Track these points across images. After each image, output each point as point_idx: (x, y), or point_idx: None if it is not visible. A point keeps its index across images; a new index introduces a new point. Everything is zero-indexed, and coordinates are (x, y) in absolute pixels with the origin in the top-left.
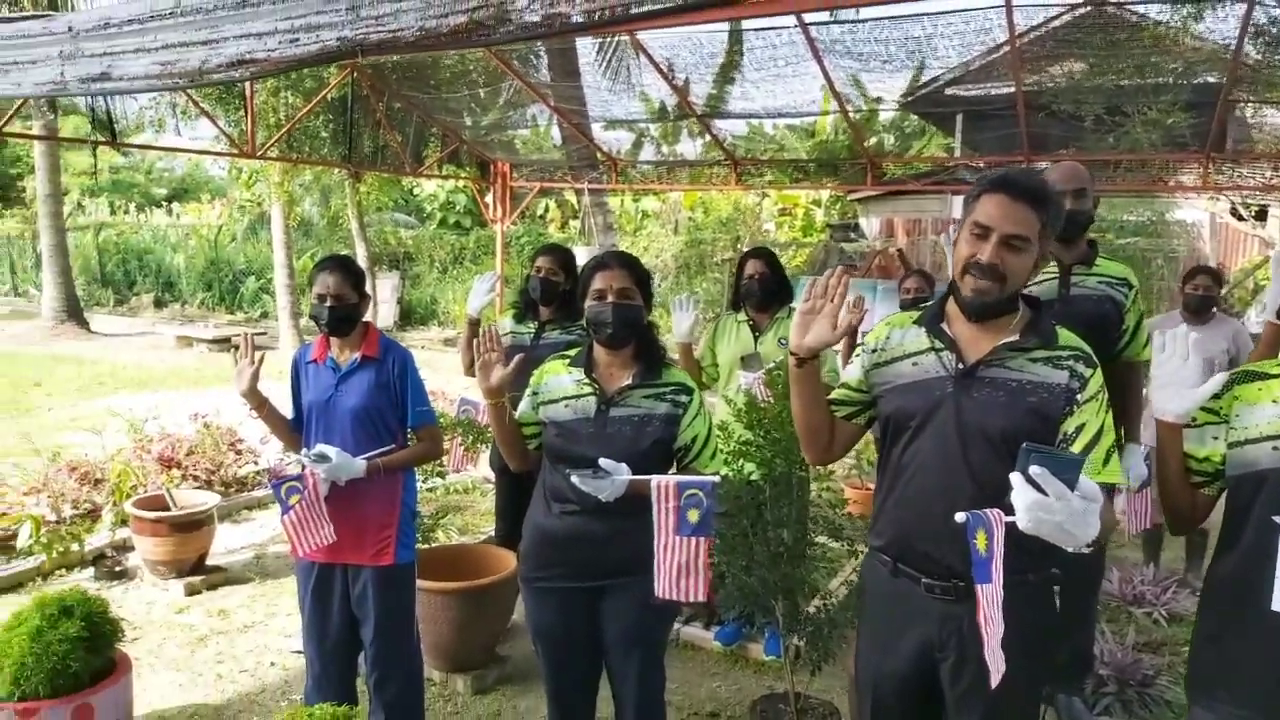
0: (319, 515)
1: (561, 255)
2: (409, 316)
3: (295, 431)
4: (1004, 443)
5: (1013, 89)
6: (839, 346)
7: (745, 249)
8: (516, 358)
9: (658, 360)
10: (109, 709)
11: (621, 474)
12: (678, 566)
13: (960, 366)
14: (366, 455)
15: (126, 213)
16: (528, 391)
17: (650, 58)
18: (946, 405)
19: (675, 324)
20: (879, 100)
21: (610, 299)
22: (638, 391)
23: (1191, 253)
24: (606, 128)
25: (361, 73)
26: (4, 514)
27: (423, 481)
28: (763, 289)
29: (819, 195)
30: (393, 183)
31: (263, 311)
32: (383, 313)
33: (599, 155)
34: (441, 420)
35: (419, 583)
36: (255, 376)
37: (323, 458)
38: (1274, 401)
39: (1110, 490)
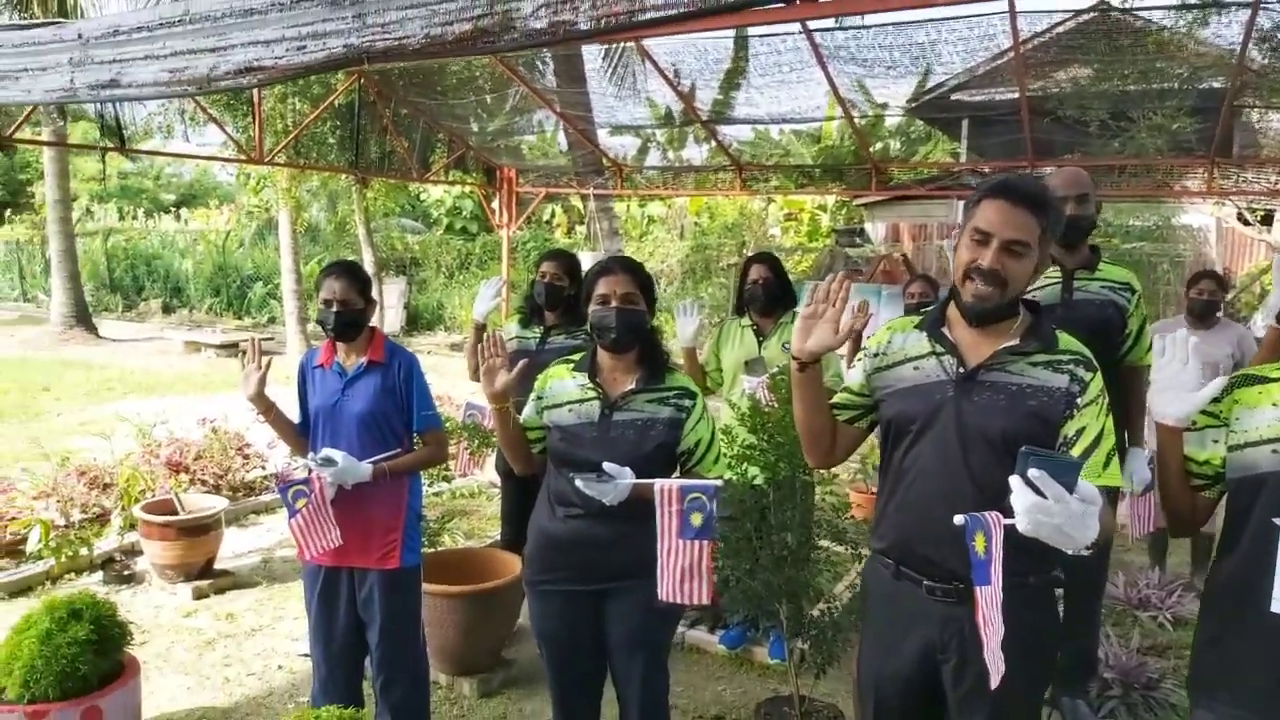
0: (325, 519)
1: (566, 260)
2: (416, 321)
3: (302, 436)
4: (1004, 446)
5: (1018, 94)
6: (844, 351)
7: (750, 254)
8: (520, 363)
9: (661, 365)
10: (117, 711)
11: (625, 478)
12: (681, 570)
13: (961, 371)
14: (372, 459)
15: (135, 218)
16: (532, 396)
17: (655, 64)
18: (947, 409)
19: (680, 329)
20: (884, 106)
21: (614, 304)
22: (641, 396)
23: (1198, 258)
24: (612, 133)
25: (368, 79)
26: (14, 518)
27: (429, 486)
28: (766, 294)
29: (825, 200)
30: (399, 188)
31: (270, 317)
32: (389, 318)
33: (605, 161)
34: (447, 425)
35: (425, 586)
36: (262, 381)
37: (329, 461)
38: (1274, 405)
39: (1114, 493)
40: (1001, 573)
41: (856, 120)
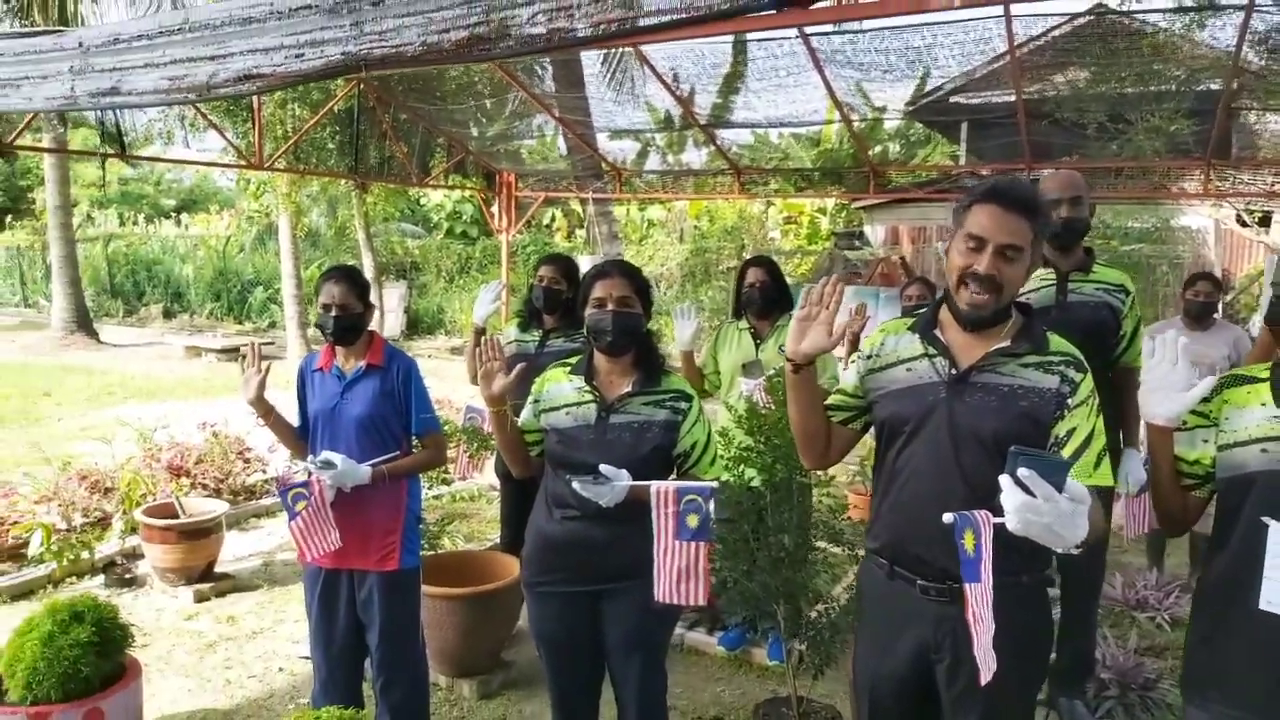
0: (325, 521)
1: (564, 264)
2: (416, 326)
3: (302, 439)
4: (996, 447)
5: (1015, 97)
6: (841, 352)
7: (747, 257)
8: (518, 366)
9: (657, 368)
10: (119, 713)
11: (622, 480)
12: (677, 571)
13: (953, 372)
14: (371, 462)
15: (135, 224)
16: (530, 399)
17: (653, 69)
18: (940, 410)
19: (678, 332)
20: (883, 109)
21: (610, 307)
22: (637, 398)
23: (1196, 259)
24: (612, 137)
25: (368, 85)
26: (16, 522)
27: (429, 489)
28: (763, 297)
29: (824, 203)
30: (399, 193)
31: (271, 321)
32: (390, 322)
33: (604, 165)
34: (447, 428)
35: (424, 588)
36: (262, 385)
37: (328, 464)
38: (1262, 405)
39: (1108, 494)
40: (992, 571)
41: (855, 123)
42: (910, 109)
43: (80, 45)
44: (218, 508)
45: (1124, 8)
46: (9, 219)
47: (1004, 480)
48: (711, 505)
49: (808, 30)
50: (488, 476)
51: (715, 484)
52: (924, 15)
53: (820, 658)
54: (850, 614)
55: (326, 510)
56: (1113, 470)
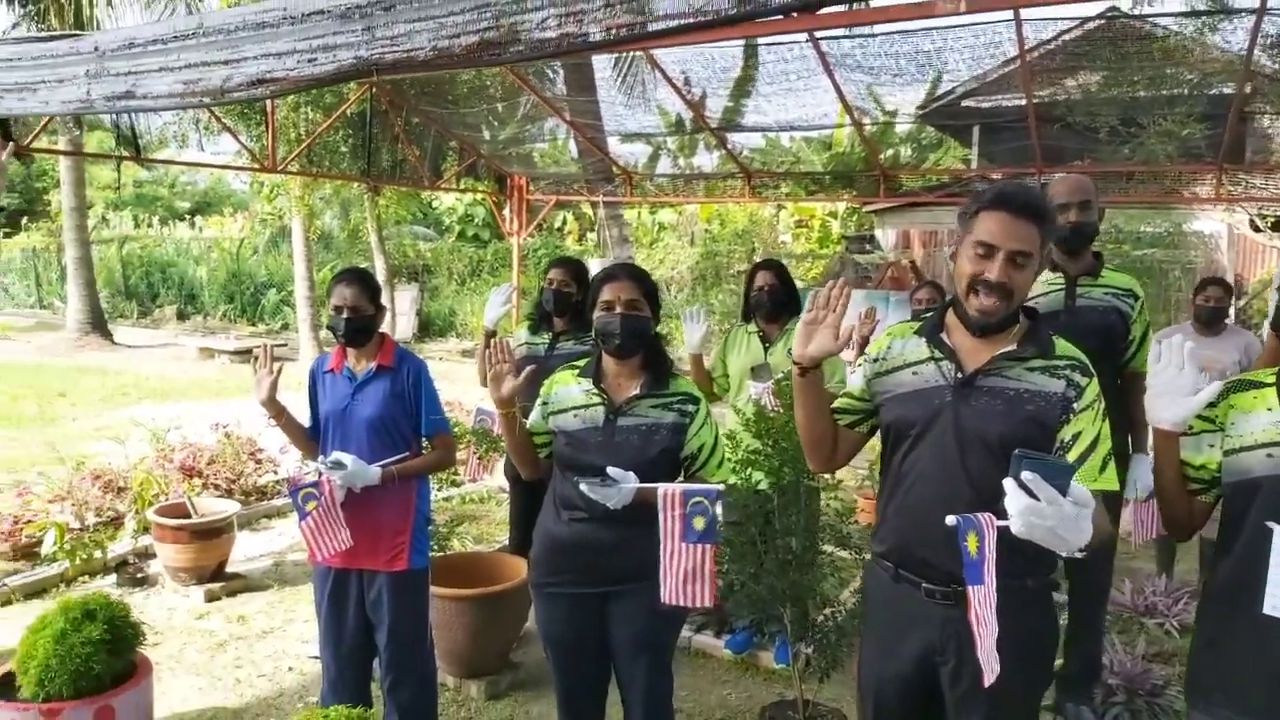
0: (335, 520)
1: (574, 267)
2: (428, 328)
3: (313, 440)
4: (1002, 450)
5: (1025, 101)
6: (850, 356)
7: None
8: (527, 368)
9: (665, 370)
10: (130, 710)
11: (629, 482)
12: (683, 572)
13: (959, 376)
14: (381, 463)
15: (150, 226)
16: (538, 401)
17: (664, 73)
18: (945, 414)
19: (687, 335)
20: (894, 113)
21: (618, 310)
22: (645, 401)
23: (1209, 264)
24: (623, 141)
25: (380, 88)
26: (29, 521)
27: (439, 491)
28: (772, 300)
29: (835, 207)
30: (411, 196)
31: (283, 323)
32: (401, 324)
33: (615, 168)
34: (456, 430)
35: (433, 589)
36: (274, 386)
37: (339, 465)
38: (1269, 409)
39: (1117, 499)
40: (995, 573)
41: (867, 127)
42: (922, 113)
43: (96, 49)
44: (229, 508)
45: (1136, 9)
46: (25, 220)
47: (1008, 483)
48: (718, 508)
49: (817, 34)
50: (497, 479)
51: (721, 487)
52: (933, 20)
53: (827, 661)
54: (857, 618)
55: (337, 510)
56: (1122, 475)
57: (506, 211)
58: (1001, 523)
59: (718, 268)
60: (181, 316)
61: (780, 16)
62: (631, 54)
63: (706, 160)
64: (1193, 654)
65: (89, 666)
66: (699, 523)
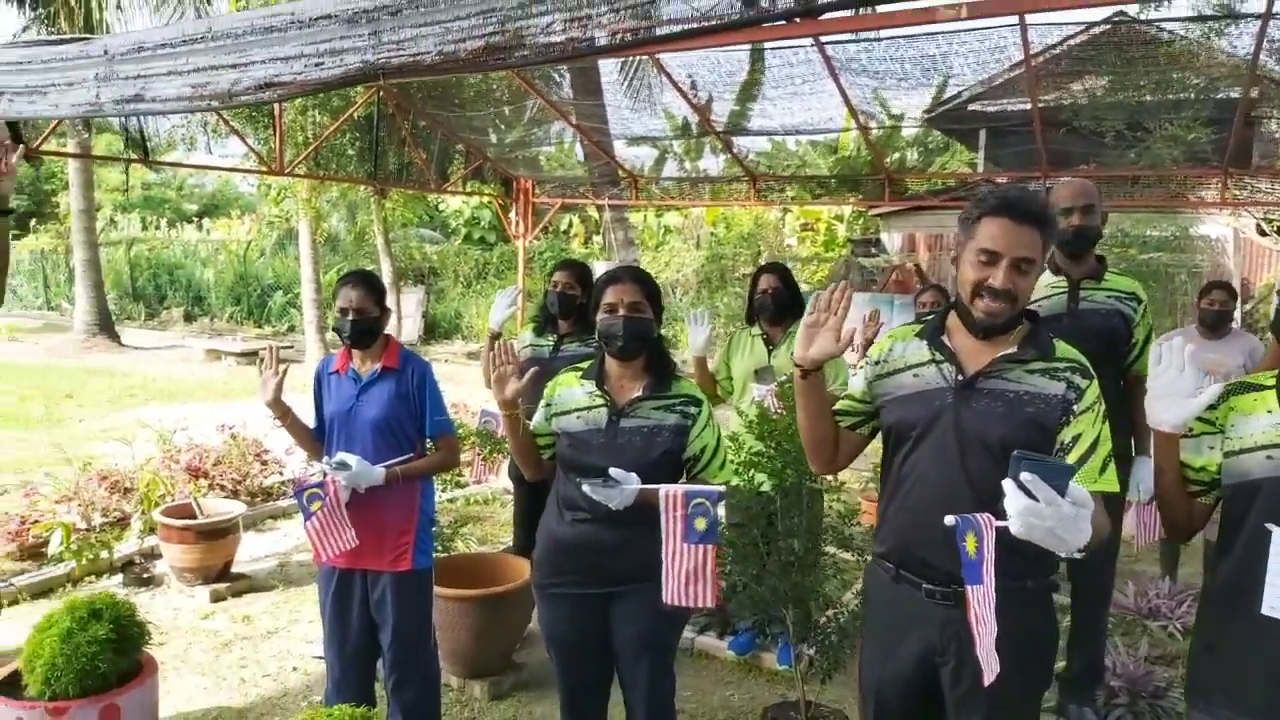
0: (340, 520)
1: (578, 270)
2: (433, 330)
3: (318, 441)
4: (1002, 452)
5: (1031, 105)
6: (853, 359)
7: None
8: (531, 370)
9: (667, 372)
10: (135, 709)
11: (631, 483)
12: (685, 573)
13: (960, 378)
14: (385, 463)
15: (158, 228)
16: (542, 403)
17: (670, 77)
18: (946, 416)
19: (691, 338)
20: (900, 117)
21: (621, 312)
22: (648, 403)
23: (1215, 268)
24: (629, 144)
25: (387, 92)
26: (36, 521)
27: (443, 492)
28: (776, 303)
29: (841, 210)
30: (418, 199)
31: (290, 325)
32: (407, 327)
33: (621, 172)
34: (461, 431)
35: (437, 590)
36: (279, 387)
37: (343, 465)
38: (1268, 412)
39: (1118, 501)
40: (995, 574)
41: (873, 131)
42: (928, 116)
43: (105, 53)
44: (235, 509)
45: (1142, 14)
46: (33, 223)
47: (1007, 484)
48: (720, 509)
49: (822, 39)
50: (502, 480)
51: (723, 488)
52: (938, 24)
53: (829, 663)
54: (859, 619)
55: (341, 511)
56: (1124, 478)
57: (512, 214)
58: (1000, 523)
59: (723, 271)
60: (188, 318)
61: (784, 21)
62: (638, 58)
63: (712, 163)
64: (1192, 655)
65: (95, 665)
66: (700, 524)
